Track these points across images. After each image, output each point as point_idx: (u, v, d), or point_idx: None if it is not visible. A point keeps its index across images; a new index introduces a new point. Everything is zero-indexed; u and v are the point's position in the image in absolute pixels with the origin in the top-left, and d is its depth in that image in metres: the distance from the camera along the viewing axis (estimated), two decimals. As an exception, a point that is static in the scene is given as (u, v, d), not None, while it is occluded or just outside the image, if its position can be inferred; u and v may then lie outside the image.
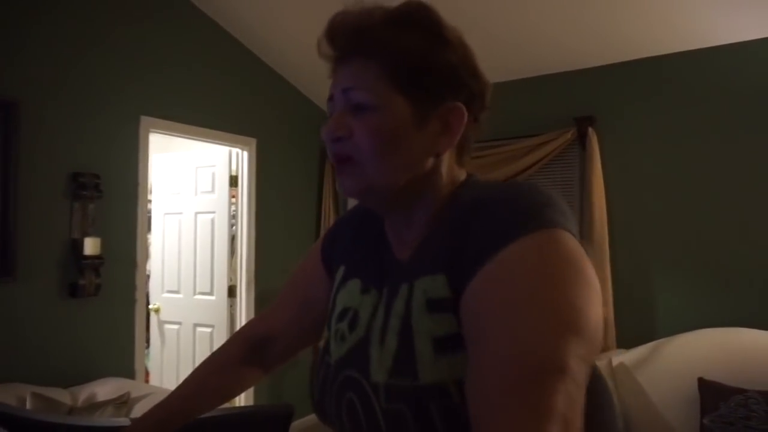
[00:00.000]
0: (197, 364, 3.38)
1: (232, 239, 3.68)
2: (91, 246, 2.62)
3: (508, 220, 0.56)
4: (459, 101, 0.66)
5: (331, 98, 0.68)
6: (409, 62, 0.64)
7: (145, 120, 2.96)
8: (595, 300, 0.53)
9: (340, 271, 0.79)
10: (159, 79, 3.05)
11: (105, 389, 2.40)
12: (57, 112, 2.60)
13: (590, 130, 3.04)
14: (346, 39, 0.66)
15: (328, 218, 3.94)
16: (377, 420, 0.61)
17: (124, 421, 0.87)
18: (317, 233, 3.99)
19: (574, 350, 0.48)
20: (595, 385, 0.65)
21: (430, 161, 0.66)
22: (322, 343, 0.77)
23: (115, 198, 2.80)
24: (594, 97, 3.12)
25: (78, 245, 2.61)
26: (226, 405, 1.04)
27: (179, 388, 0.90)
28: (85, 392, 2.40)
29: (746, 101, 2.71)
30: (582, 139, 3.09)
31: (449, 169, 0.69)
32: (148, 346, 3.73)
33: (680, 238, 2.84)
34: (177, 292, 3.79)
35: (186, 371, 3.60)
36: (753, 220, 2.67)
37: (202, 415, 0.89)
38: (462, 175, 0.71)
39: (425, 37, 0.65)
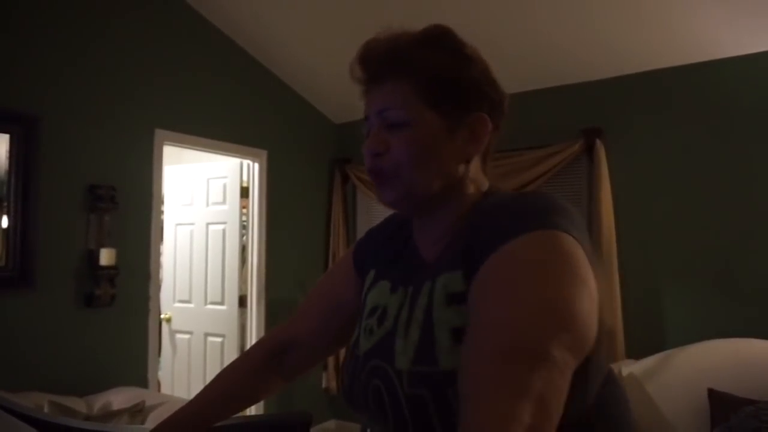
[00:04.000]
0: (208, 373, 3.41)
1: (243, 249, 3.73)
2: (106, 257, 2.67)
3: (513, 219, 0.62)
4: (483, 111, 0.73)
5: (366, 118, 0.74)
6: (437, 79, 0.70)
7: (159, 133, 3.03)
8: (587, 297, 0.57)
9: (371, 275, 0.84)
10: (173, 93, 3.11)
11: (120, 398, 2.44)
12: (75, 126, 2.67)
13: (598, 141, 3.07)
14: (378, 63, 0.72)
15: (338, 229, 3.98)
16: (401, 404, 0.66)
17: (144, 429, 0.90)
18: (327, 244, 4.04)
19: (559, 339, 0.52)
20: (611, 388, 0.67)
21: (461, 167, 0.73)
22: (352, 340, 0.82)
23: (130, 209, 2.85)
24: (602, 108, 3.15)
25: (94, 256, 2.67)
26: (241, 413, 1.07)
27: (199, 394, 0.93)
28: (100, 401, 2.44)
29: (754, 113, 2.73)
30: (589, 151, 3.11)
31: (475, 174, 0.75)
32: (159, 356, 3.77)
33: (689, 248, 2.86)
34: (188, 301, 3.83)
35: (197, 380, 3.64)
36: (762, 231, 2.68)
37: (220, 424, 0.92)
38: (485, 182, 0.77)
39: (450, 55, 0.72)
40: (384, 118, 0.71)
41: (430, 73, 0.70)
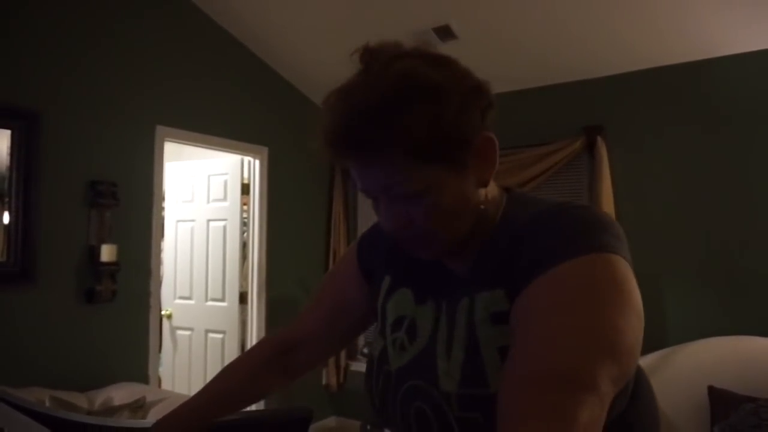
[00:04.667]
0: (209, 369, 3.40)
1: (244, 246, 3.73)
2: (107, 253, 2.67)
3: (564, 238, 0.59)
4: (481, 128, 0.66)
5: (365, 191, 0.68)
6: (426, 139, 0.61)
7: (160, 129, 3.03)
8: (637, 326, 0.56)
9: (386, 281, 0.81)
10: (174, 90, 3.11)
11: (120, 393, 2.44)
12: (76, 122, 2.67)
13: (599, 139, 3.07)
14: (356, 143, 0.63)
15: (339, 225, 3.99)
16: (451, 428, 0.64)
17: (147, 423, 0.90)
18: (327, 240, 4.04)
19: (606, 371, 0.52)
20: (642, 391, 0.68)
21: (482, 192, 0.68)
22: (376, 352, 0.79)
23: (131, 206, 2.85)
24: (603, 106, 3.14)
25: (95, 252, 2.67)
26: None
27: (203, 389, 0.92)
28: (101, 396, 2.45)
29: (756, 111, 2.72)
30: (591, 148, 3.11)
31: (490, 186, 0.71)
32: (159, 352, 3.77)
33: (690, 246, 2.86)
34: (189, 298, 3.84)
35: (197, 377, 3.65)
36: (763, 229, 2.68)
37: (221, 419, 0.92)
38: (495, 188, 0.72)
39: (425, 105, 0.61)
40: (392, 192, 0.64)
41: (416, 137, 0.61)
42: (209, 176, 3.80)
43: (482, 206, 0.68)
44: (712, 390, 2.34)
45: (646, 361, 2.62)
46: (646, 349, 2.72)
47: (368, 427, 3.20)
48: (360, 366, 3.88)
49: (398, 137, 0.61)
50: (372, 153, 0.62)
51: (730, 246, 2.75)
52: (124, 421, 1.50)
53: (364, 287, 0.86)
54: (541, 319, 0.55)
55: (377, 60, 0.64)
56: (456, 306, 0.69)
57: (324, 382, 3.92)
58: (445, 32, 2.97)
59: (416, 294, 0.76)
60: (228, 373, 0.95)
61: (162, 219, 3.42)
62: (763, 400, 2.21)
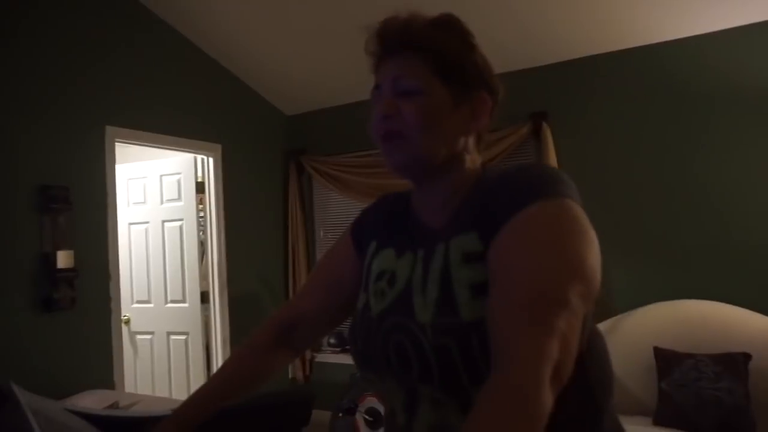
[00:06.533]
0: (173, 372, 3.37)
1: (202, 245, 3.69)
2: (64, 259, 2.60)
3: (529, 188, 0.71)
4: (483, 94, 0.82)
5: (377, 87, 0.81)
6: (447, 57, 0.79)
7: (110, 130, 2.95)
8: (595, 253, 0.68)
9: (373, 246, 0.90)
10: (123, 89, 3.04)
11: (91, 400, 2.40)
12: (23, 124, 2.56)
13: (544, 124, 3.24)
14: (396, 37, 0.80)
15: (295, 219, 4.01)
16: (426, 354, 0.71)
17: (164, 411, 0.94)
18: (285, 234, 4.05)
19: (575, 288, 0.63)
20: (595, 340, 0.79)
21: (462, 140, 0.81)
22: (360, 305, 0.87)
23: (85, 209, 2.78)
24: (548, 93, 3.32)
25: (50, 259, 2.58)
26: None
27: (216, 374, 0.97)
28: (71, 404, 2.39)
29: (689, 95, 2.96)
30: (537, 134, 3.29)
31: (472, 150, 0.83)
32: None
33: (631, 222, 3.08)
34: (147, 301, 3.75)
35: (162, 380, 3.59)
36: (695, 203, 2.93)
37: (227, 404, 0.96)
38: (479, 159, 0.85)
39: (459, 40, 0.81)
40: (397, 86, 0.78)
41: (441, 51, 0.78)
42: (161, 176, 3.72)
43: (458, 152, 0.80)
44: (657, 350, 2.56)
45: (597, 329, 2.83)
46: (596, 319, 2.93)
47: (340, 414, 3.27)
48: (326, 358, 3.94)
49: (428, 45, 0.78)
50: (403, 46, 0.79)
51: (668, 220, 2.99)
52: (141, 411, 1.49)
53: (357, 263, 0.93)
54: (515, 254, 0.67)
55: None
56: (432, 251, 0.78)
57: (291, 375, 3.95)
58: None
59: (397, 251, 0.85)
60: (237, 356, 1.00)
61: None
62: (701, 355, 2.44)
